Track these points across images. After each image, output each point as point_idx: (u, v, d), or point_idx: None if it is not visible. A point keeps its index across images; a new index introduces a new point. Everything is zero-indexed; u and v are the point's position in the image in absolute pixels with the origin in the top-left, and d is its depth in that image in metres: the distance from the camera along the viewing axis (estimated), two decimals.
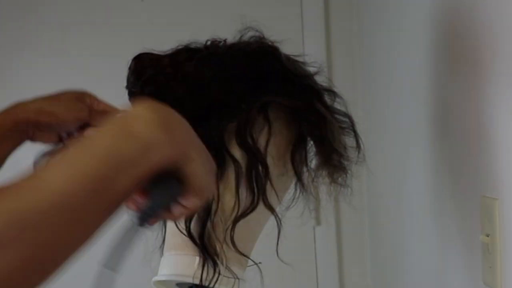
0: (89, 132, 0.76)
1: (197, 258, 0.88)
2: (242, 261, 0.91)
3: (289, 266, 1.04)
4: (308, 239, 2.01)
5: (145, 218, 0.62)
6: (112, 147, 0.53)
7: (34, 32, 2.04)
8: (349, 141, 0.96)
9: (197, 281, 0.86)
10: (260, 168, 0.88)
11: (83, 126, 0.85)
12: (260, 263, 0.92)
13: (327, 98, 0.94)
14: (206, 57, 0.89)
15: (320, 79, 0.95)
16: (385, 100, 1.63)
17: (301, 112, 0.90)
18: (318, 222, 1.97)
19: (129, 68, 0.90)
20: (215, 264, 0.87)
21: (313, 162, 0.95)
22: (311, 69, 0.94)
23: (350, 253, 2.03)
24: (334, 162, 0.93)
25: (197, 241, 0.87)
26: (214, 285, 0.86)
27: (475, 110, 0.94)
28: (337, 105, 0.96)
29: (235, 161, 0.87)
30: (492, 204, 0.88)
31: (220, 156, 0.86)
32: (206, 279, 0.86)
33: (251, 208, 0.88)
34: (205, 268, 0.87)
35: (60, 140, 0.86)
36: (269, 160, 0.89)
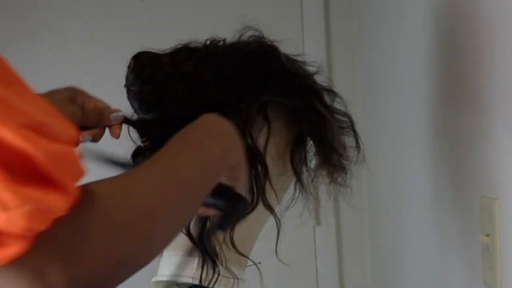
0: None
1: (197, 259, 0.88)
2: (242, 261, 0.91)
3: (289, 266, 1.04)
4: (308, 239, 2.01)
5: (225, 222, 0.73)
6: (209, 148, 0.66)
7: (33, 31, 2.04)
8: (349, 141, 0.96)
9: (196, 282, 0.86)
10: (259, 167, 0.88)
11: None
12: (259, 263, 0.91)
13: (326, 98, 0.94)
14: (205, 57, 0.88)
15: (320, 79, 0.94)
16: (385, 100, 1.62)
17: (301, 111, 0.90)
18: (318, 222, 1.97)
19: (128, 67, 0.90)
20: (214, 265, 0.87)
21: (312, 162, 0.95)
22: (311, 69, 0.94)
23: (350, 253, 2.02)
24: (333, 161, 0.93)
25: (197, 241, 0.87)
26: (213, 286, 0.86)
27: (475, 110, 0.94)
28: (337, 105, 0.96)
29: None
30: (492, 204, 0.87)
31: None
32: (205, 279, 0.86)
33: (251, 208, 0.88)
34: (205, 269, 0.86)
35: None
36: (269, 160, 0.89)
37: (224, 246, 0.88)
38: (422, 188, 1.26)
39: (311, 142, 0.93)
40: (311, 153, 0.94)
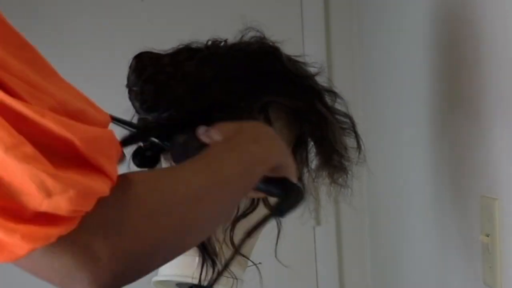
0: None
1: (197, 258, 0.88)
2: (242, 261, 0.91)
3: (289, 267, 1.04)
4: (308, 239, 2.01)
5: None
6: (248, 149, 0.71)
7: (33, 31, 2.03)
8: (350, 141, 0.96)
9: (196, 281, 0.86)
10: None
11: None
12: (260, 263, 0.92)
13: (328, 99, 0.94)
14: (207, 57, 0.88)
15: (321, 80, 0.94)
16: (385, 100, 1.63)
17: (302, 112, 0.90)
18: (318, 222, 1.97)
19: (130, 67, 0.90)
20: (214, 264, 0.87)
21: (313, 163, 0.95)
22: (312, 70, 0.94)
23: (350, 253, 2.02)
24: (334, 162, 0.93)
25: None
26: (213, 285, 0.86)
27: (475, 110, 0.94)
28: (338, 106, 0.96)
29: None
30: (492, 204, 0.88)
31: None
32: (205, 279, 0.86)
33: (251, 208, 0.88)
34: (205, 268, 0.87)
35: None
36: None
37: (224, 246, 0.88)
38: (422, 188, 1.26)
39: (312, 143, 0.94)
40: (312, 154, 0.94)
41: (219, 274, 0.82)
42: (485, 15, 0.90)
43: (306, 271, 2.00)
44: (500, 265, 0.87)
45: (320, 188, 0.97)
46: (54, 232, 0.45)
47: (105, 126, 0.51)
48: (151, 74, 0.87)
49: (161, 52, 0.90)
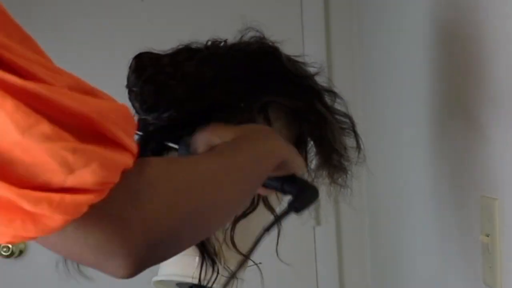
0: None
1: (197, 258, 0.88)
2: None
3: (289, 266, 1.04)
4: (308, 239, 2.01)
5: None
6: (257, 143, 0.75)
7: (33, 32, 2.03)
8: (349, 141, 0.96)
9: (196, 281, 0.86)
10: None
11: None
12: (260, 263, 0.92)
13: (327, 99, 0.94)
14: (206, 57, 0.88)
15: (320, 80, 0.95)
16: (385, 100, 1.63)
17: (302, 112, 0.90)
18: (318, 222, 1.97)
19: (130, 67, 0.90)
20: (214, 264, 0.87)
21: (313, 163, 0.95)
22: (311, 70, 0.94)
23: (350, 253, 2.02)
24: (334, 162, 0.93)
25: None
26: (213, 285, 0.86)
27: (475, 110, 0.94)
28: (338, 106, 0.96)
29: None
30: (492, 204, 0.88)
31: None
32: (205, 279, 0.86)
33: (251, 208, 0.88)
34: (204, 268, 0.87)
35: None
36: None
37: (224, 246, 0.88)
38: (422, 188, 1.26)
39: (312, 143, 0.94)
40: (312, 154, 0.94)
41: (231, 277, 0.83)
42: (485, 15, 0.90)
43: (306, 271, 2.00)
44: (500, 265, 0.87)
45: (320, 188, 0.97)
46: (83, 199, 0.45)
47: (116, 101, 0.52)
48: (151, 75, 0.87)
49: (161, 53, 0.90)
